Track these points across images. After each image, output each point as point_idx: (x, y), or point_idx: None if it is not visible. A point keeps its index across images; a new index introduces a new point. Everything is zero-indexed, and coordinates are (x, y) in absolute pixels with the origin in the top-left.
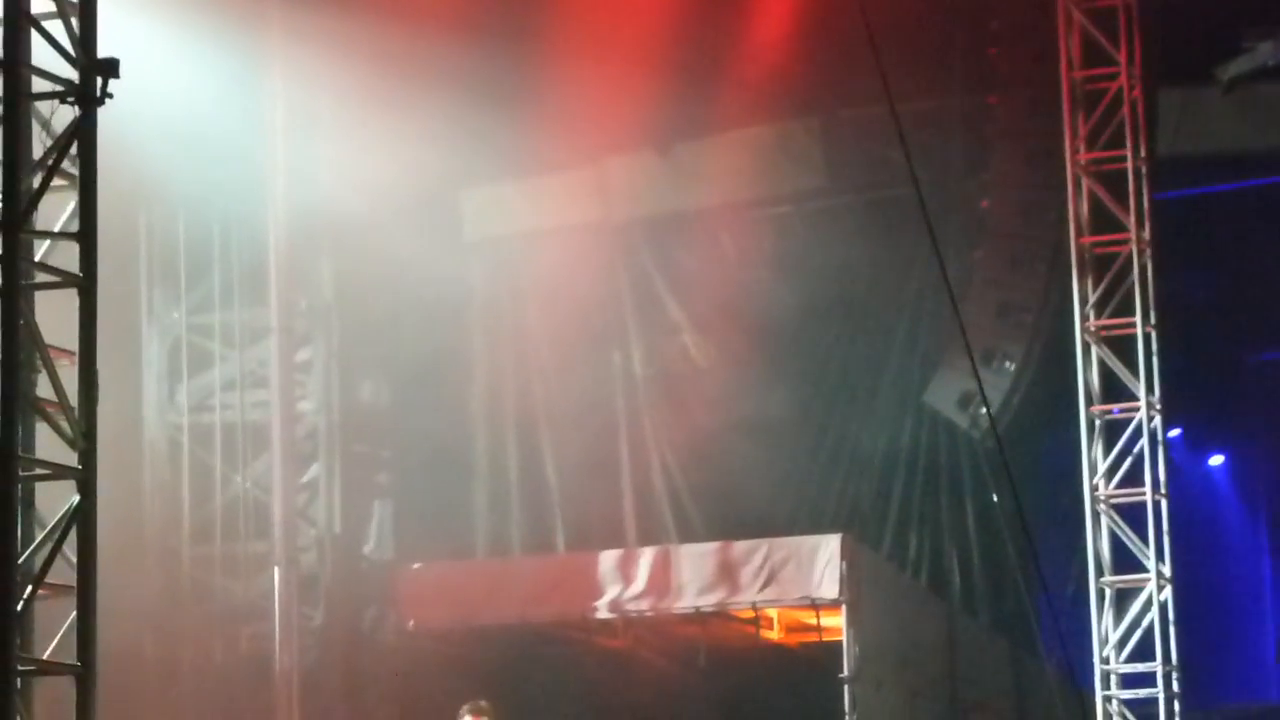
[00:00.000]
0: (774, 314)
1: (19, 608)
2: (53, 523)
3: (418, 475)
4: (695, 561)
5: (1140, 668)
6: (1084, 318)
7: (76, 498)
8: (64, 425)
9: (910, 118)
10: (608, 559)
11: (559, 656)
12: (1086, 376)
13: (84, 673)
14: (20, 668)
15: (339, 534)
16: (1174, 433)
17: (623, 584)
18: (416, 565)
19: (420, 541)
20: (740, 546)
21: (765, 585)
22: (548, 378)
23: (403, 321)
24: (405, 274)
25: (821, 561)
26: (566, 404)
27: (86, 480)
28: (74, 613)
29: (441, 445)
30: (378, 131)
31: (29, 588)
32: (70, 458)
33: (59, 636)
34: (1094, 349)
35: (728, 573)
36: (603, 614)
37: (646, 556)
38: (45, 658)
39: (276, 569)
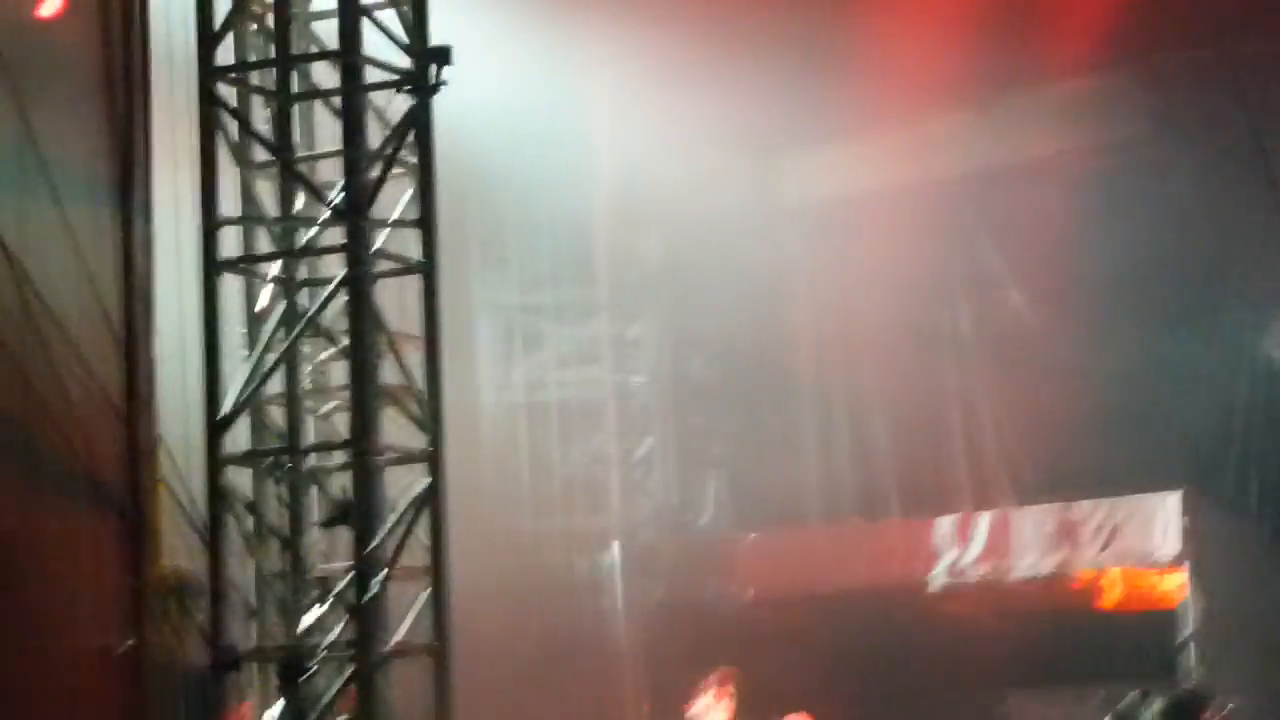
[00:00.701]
0: (1103, 266)
1: (375, 591)
2: (404, 507)
3: (750, 445)
4: (1033, 524)
5: None
6: None
7: (427, 480)
8: (413, 409)
9: (1240, 61)
10: (944, 524)
11: (898, 623)
12: None
13: (440, 652)
14: (377, 651)
15: (675, 506)
16: None
17: (960, 548)
18: (753, 535)
19: (755, 511)
20: (1080, 507)
21: (1106, 545)
22: (874, 342)
23: (729, 291)
24: (729, 243)
25: (1163, 519)
26: (895, 368)
27: (436, 462)
28: (426, 593)
29: (772, 414)
30: (697, 102)
31: (384, 571)
32: (418, 440)
33: (411, 618)
34: None
35: (1067, 534)
36: (942, 579)
37: (983, 520)
38: (400, 639)
39: (616, 543)
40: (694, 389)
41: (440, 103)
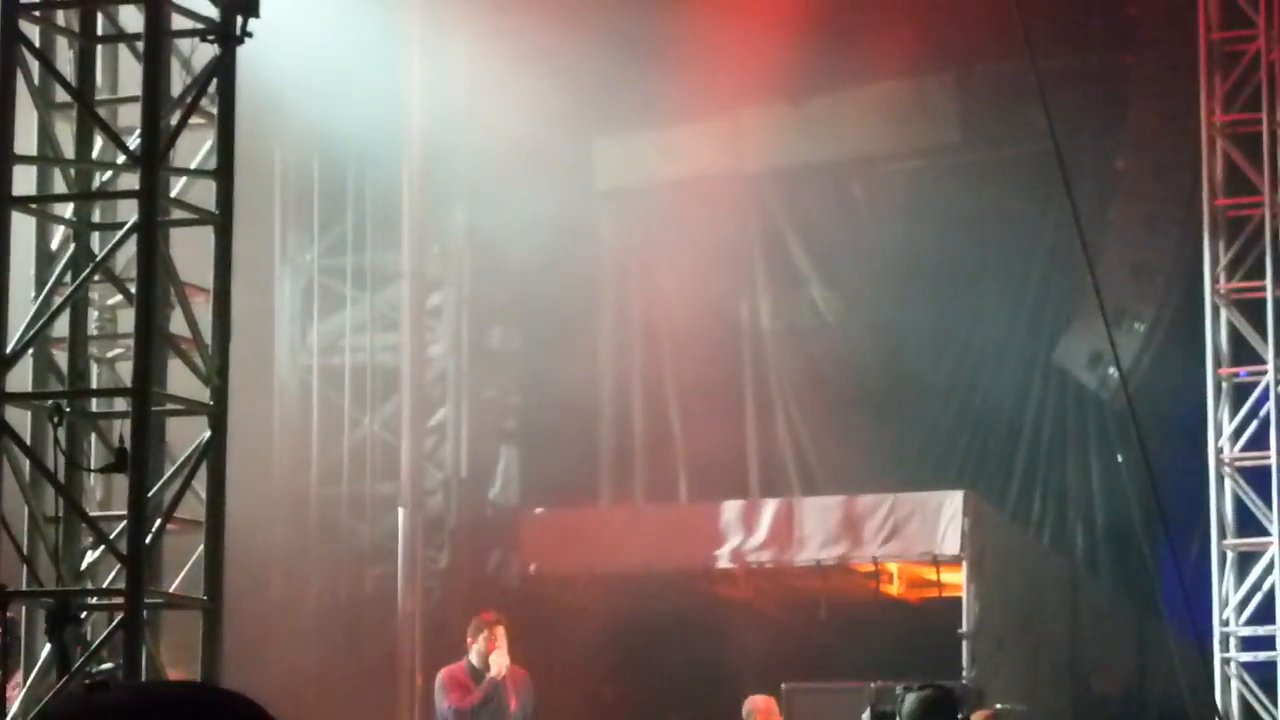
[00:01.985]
0: (903, 269)
1: (148, 541)
2: (183, 458)
3: (543, 421)
4: (818, 514)
5: (1261, 631)
6: (1214, 279)
7: (208, 433)
8: (197, 362)
9: (1047, 75)
10: (730, 509)
11: (679, 606)
12: (1215, 339)
13: (211, 607)
14: (148, 600)
15: (465, 478)
16: None
17: (745, 534)
18: (540, 511)
19: (544, 487)
20: (863, 501)
21: (887, 540)
22: (675, 327)
23: (533, 268)
24: (537, 221)
25: (945, 517)
26: (692, 354)
27: (218, 417)
28: (202, 547)
29: (568, 393)
30: (513, 79)
31: (158, 521)
32: (202, 394)
33: (185, 570)
34: (1223, 311)
35: (850, 526)
36: (724, 564)
37: (769, 508)
38: (173, 591)
39: (402, 511)
40: (491, 362)
41: (252, 57)
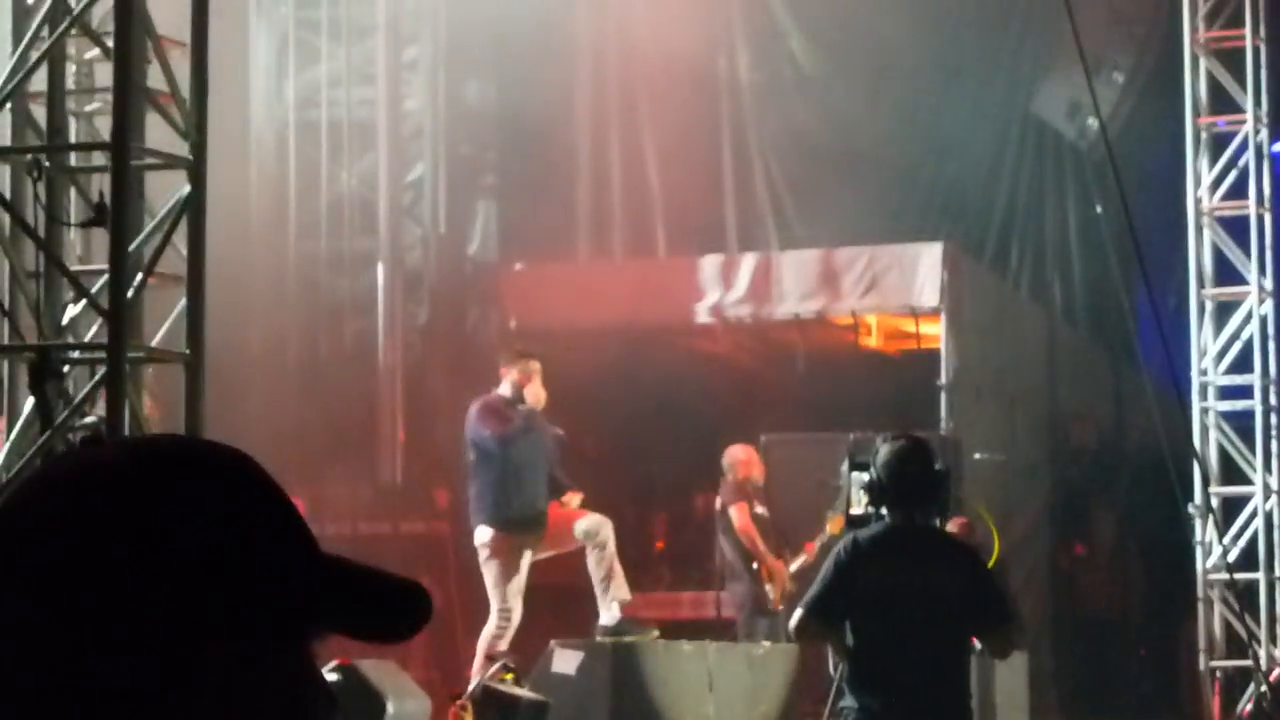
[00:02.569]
0: (882, 20)
1: (129, 295)
2: (163, 212)
3: (521, 177)
4: (796, 268)
5: (1239, 380)
6: (1193, 29)
7: (187, 188)
8: (175, 116)
9: None
10: (709, 264)
11: (658, 360)
12: (1194, 88)
13: (193, 360)
14: (130, 355)
15: (444, 233)
16: (1279, 146)
17: (723, 289)
18: (519, 266)
19: (522, 243)
20: (842, 254)
21: (866, 292)
22: (653, 81)
23: (509, 20)
24: None
25: (923, 269)
26: (670, 109)
27: (197, 171)
28: (183, 302)
29: (546, 148)
30: None
31: (139, 276)
32: (181, 149)
33: (167, 325)
34: (1202, 61)
35: (828, 279)
36: (703, 318)
37: (748, 262)
38: (154, 345)
39: (381, 266)
40: (469, 117)
41: None
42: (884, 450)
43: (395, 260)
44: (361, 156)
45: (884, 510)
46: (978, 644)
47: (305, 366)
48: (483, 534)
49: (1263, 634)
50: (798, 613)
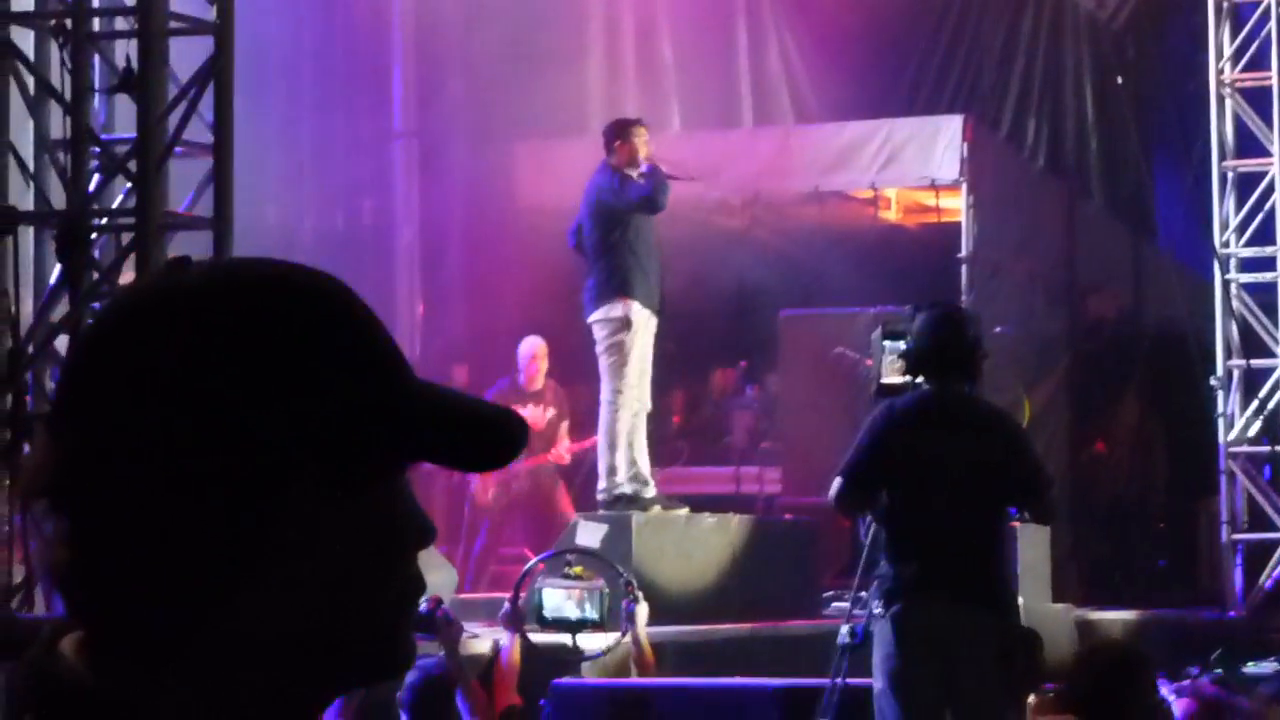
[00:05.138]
0: None
1: (157, 162)
2: (188, 79)
3: (531, 57)
4: (813, 142)
5: (1263, 252)
6: None
7: (213, 53)
8: None
9: None
10: (725, 139)
11: (675, 234)
12: None
13: (221, 227)
14: (158, 222)
15: (454, 111)
16: None
17: (740, 163)
18: (529, 143)
19: (532, 121)
20: (859, 127)
21: (884, 166)
22: None
23: None
24: None
25: (941, 142)
26: None
27: (223, 36)
28: (209, 167)
29: (557, 21)
30: None
31: (166, 142)
32: (207, 12)
33: (194, 193)
34: None
35: (846, 153)
36: (720, 192)
37: (764, 136)
38: (183, 211)
39: (399, 142)
40: None
41: None
42: (921, 318)
43: (410, 138)
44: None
45: (920, 379)
46: (1015, 511)
47: (322, 243)
48: None
49: None
50: (837, 481)
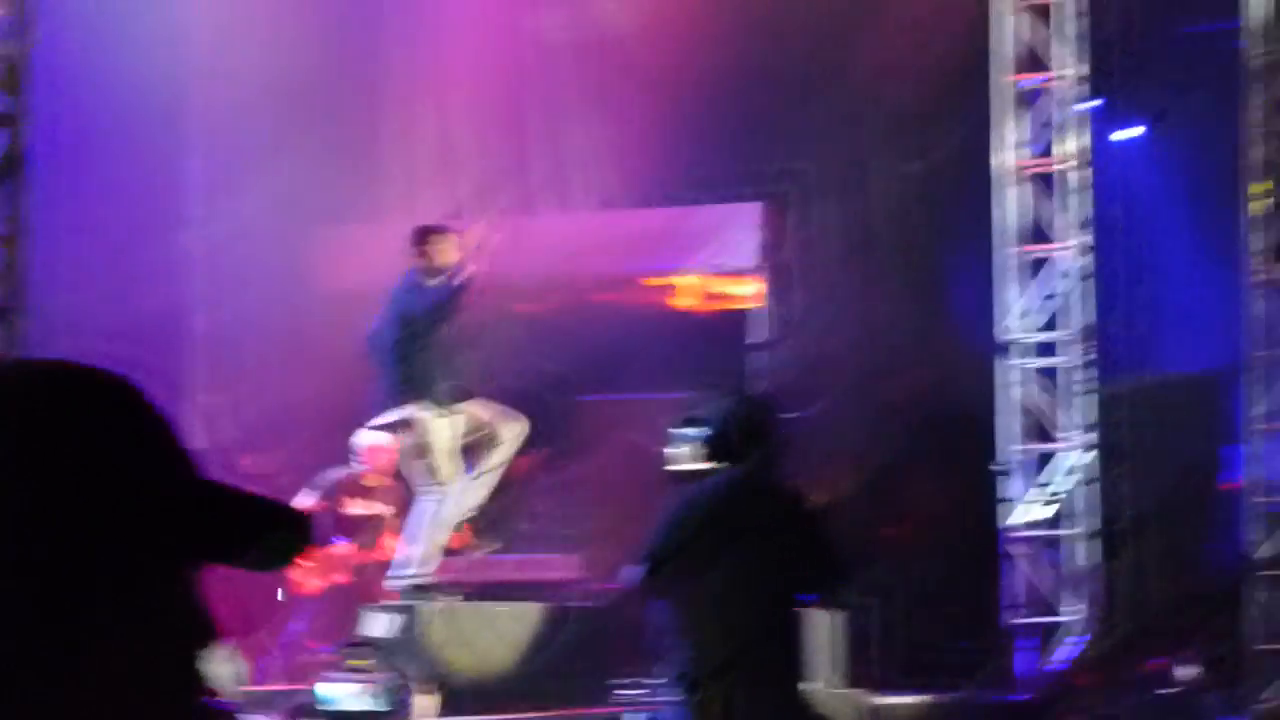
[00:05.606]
0: None
1: None
2: None
3: (331, 139)
4: (611, 229)
5: (1051, 336)
6: None
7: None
8: None
9: None
10: (522, 225)
11: (470, 320)
12: (1009, 42)
13: (18, 318)
14: None
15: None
16: (1094, 103)
17: (538, 250)
18: (324, 228)
19: (328, 205)
20: (657, 214)
21: (683, 252)
22: (463, 41)
23: None
24: None
25: (740, 229)
26: (481, 69)
27: (20, 128)
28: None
29: (355, 108)
30: None
31: None
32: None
33: None
34: (1016, 15)
35: (644, 240)
36: (518, 277)
37: (561, 223)
38: None
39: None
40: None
41: None
42: (721, 404)
43: (202, 225)
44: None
45: (720, 464)
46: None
47: (113, 330)
48: None
49: (1073, 590)
50: (636, 567)
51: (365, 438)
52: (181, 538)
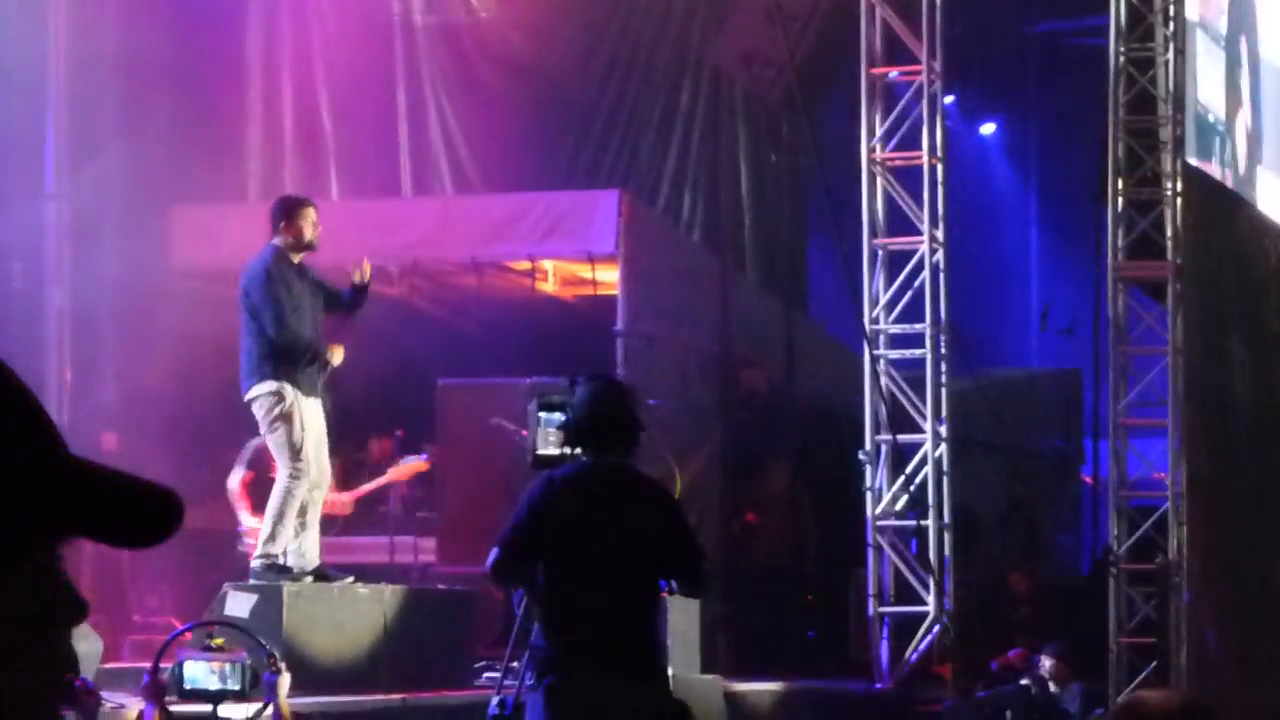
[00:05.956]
0: None
1: None
2: None
3: (191, 117)
4: (472, 212)
5: (909, 329)
6: None
7: None
8: None
9: None
10: (384, 208)
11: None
12: (869, 37)
13: None
14: None
15: (112, 174)
16: (949, 99)
17: (399, 232)
18: (185, 207)
19: (186, 190)
20: (517, 198)
21: (542, 238)
22: (325, 22)
23: None
24: None
25: (599, 216)
26: (343, 51)
27: None
28: None
29: (217, 88)
30: None
31: None
32: None
33: None
34: (877, 10)
35: (505, 224)
36: (379, 261)
37: (423, 206)
38: None
39: (49, 206)
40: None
41: None
42: (579, 390)
43: (62, 200)
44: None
45: (578, 450)
46: (669, 584)
47: None
48: None
49: (932, 580)
50: (493, 551)
51: None
52: (49, 516)
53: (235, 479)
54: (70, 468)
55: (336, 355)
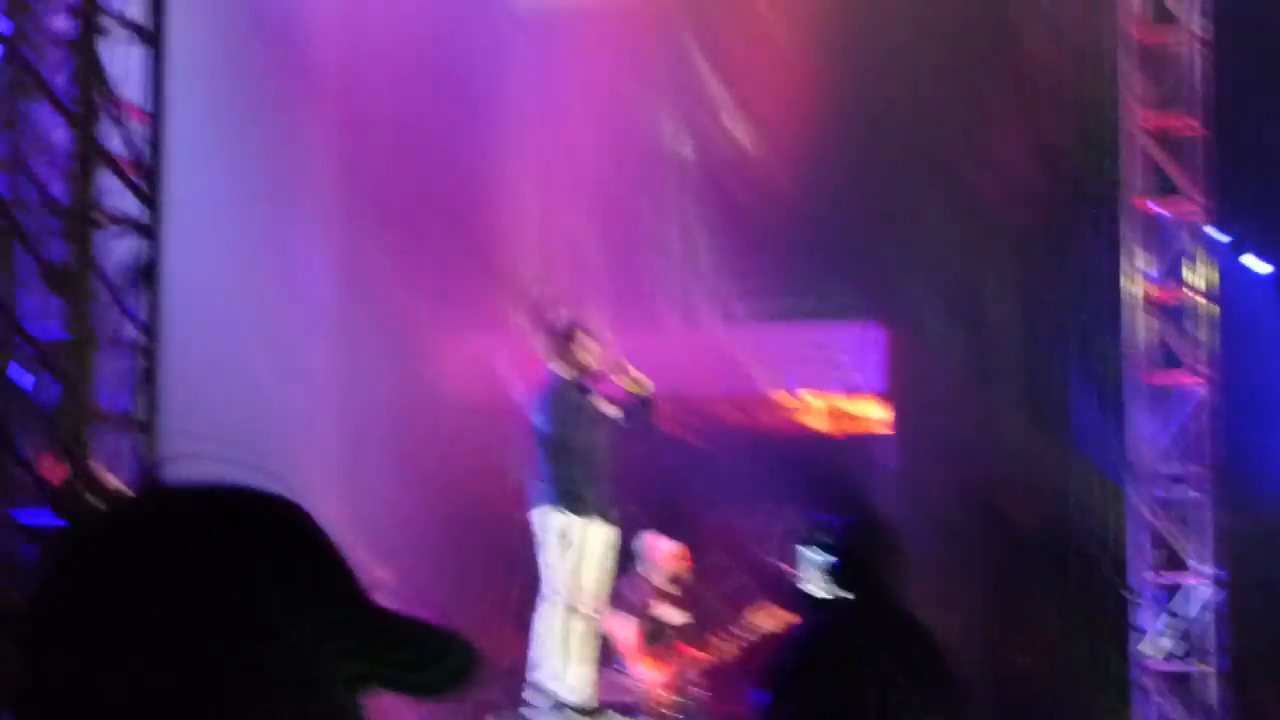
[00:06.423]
0: (827, 101)
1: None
2: (120, 277)
3: (463, 247)
4: (738, 344)
5: (1179, 469)
6: (1128, 110)
7: (146, 252)
8: (134, 179)
9: None
10: (650, 341)
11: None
12: (1130, 165)
13: (149, 425)
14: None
15: None
16: (1223, 238)
17: (661, 365)
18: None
19: (460, 313)
20: (784, 331)
21: (808, 373)
22: (588, 158)
23: (428, 86)
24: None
25: (868, 350)
26: (610, 185)
27: (155, 234)
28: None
29: (479, 215)
30: None
31: (95, 341)
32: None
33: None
34: (1137, 139)
35: (770, 358)
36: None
37: (686, 338)
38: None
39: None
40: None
41: None
42: (852, 530)
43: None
44: None
45: (847, 593)
46: None
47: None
48: None
49: None
50: (762, 693)
51: (656, 543)
52: (354, 668)
53: (622, 625)
54: (373, 617)
55: None
